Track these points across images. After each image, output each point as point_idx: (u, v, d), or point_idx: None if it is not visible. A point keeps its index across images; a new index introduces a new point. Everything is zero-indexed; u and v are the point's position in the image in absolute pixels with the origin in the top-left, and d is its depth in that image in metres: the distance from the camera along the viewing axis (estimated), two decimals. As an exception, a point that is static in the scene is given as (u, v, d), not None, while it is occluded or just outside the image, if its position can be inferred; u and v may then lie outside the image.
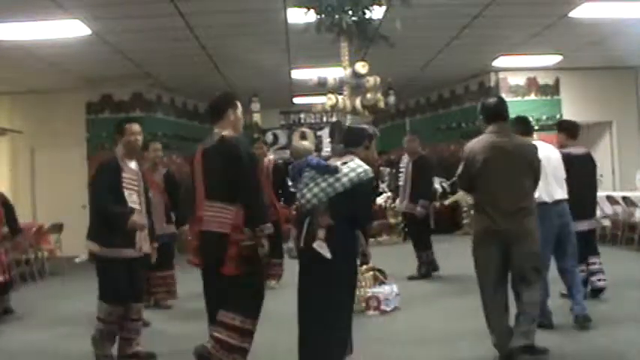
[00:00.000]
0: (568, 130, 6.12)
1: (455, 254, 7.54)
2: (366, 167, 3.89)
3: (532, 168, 4.33)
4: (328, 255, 3.70)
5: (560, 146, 5.88)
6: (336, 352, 3.74)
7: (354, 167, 3.86)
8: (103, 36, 8.39)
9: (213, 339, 3.88)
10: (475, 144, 4.37)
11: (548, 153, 5.09)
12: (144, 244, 4.65)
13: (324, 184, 3.83)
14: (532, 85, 12.28)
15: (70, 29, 7.87)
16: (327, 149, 13.91)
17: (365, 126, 4.30)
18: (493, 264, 4.24)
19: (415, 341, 5.08)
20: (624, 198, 9.51)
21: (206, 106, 4.38)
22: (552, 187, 5.00)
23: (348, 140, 4.16)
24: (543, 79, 12.26)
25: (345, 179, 3.81)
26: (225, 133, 4.09)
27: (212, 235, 3.90)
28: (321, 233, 3.75)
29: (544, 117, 11.90)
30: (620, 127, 12.11)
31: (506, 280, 4.30)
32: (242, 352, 3.92)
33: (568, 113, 11.81)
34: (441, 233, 10.42)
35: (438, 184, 12.75)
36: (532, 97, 12.26)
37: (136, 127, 4.96)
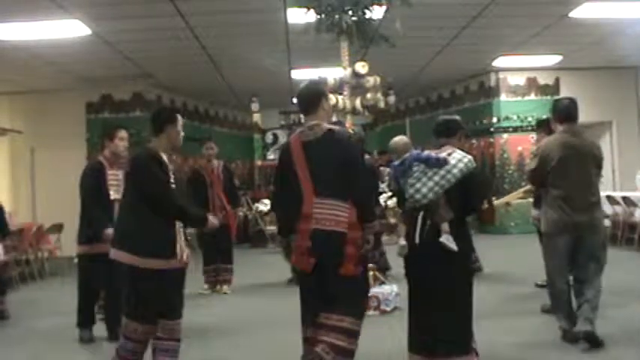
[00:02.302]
0: (547, 131, 6.24)
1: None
2: (469, 156, 3.97)
3: (599, 165, 4.70)
4: (455, 247, 3.77)
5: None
6: (469, 338, 3.85)
7: (460, 157, 3.91)
8: (103, 36, 8.40)
9: (325, 343, 3.58)
10: (550, 143, 4.66)
11: None
12: (184, 253, 3.99)
13: (437, 178, 3.85)
14: (532, 85, 12.29)
15: (70, 29, 7.87)
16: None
17: (457, 117, 4.38)
18: (565, 254, 4.55)
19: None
20: (624, 198, 9.51)
21: (297, 98, 3.93)
22: None
23: (444, 131, 4.21)
24: (543, 79, 12.27)
25: (455, 170, 3.85)
26: (324, 124, 3.80)
27: (327, 233, 3.60)
28: (446, 226, 3.82)
29: (544, 117, 11.88)
30: (620, 127, 12.12)
31: (570, 269, 4.62)
32: (352, 354, 3.73)
33: (568, 113, 11.84)
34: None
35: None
36: (532, 97, 12.27)
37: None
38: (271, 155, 14.93)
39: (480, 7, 7.90)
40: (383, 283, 6.40)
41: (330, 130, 3.74)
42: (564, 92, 12.15)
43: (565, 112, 4.71)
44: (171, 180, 3.89)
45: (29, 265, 8.99)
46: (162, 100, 12.45)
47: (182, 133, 4.00)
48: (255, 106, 13.04)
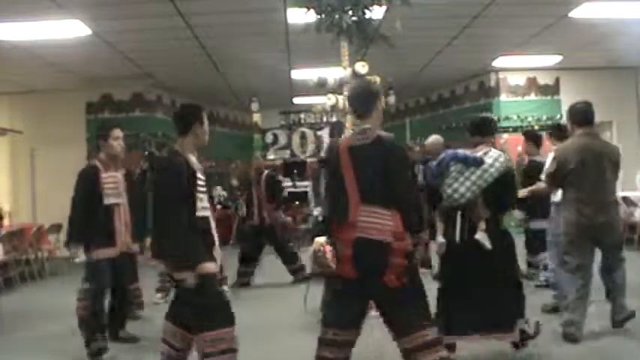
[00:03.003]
0: (534, 140, 6.82)
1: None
2: (505, 155, 4.07)
3: (617, 167, 4.90)
4: (489, 246, 3.93)
5: (528, 155, 6.74)
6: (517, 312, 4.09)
7: (496, 157, 4.03)
8: (103, 36, 8.39)
9: None
10: (568, 146, 4.83)
11: None
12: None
13: (474, 177, 3.95)
14: (532, 85, 12.29)
15: (70, 29, 7.87)
16: (326, 149, 13.91)
17: (492, 115, 4.44)
18: (588, 253, 4.78)
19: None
20: (624, 198, 9.51)
21: (351, 98, 3.74)
22: None
23: (480, 129, 4.29)
24: (543, 79, 12.26)
25: (492, 170, 3.95)
26: (375, 130, 3.65)
27: (371, 242, 3.44)
28: (483, 225, 3.95)
29: (544, 117, 11.92)
30: (620, 127, 12.12)
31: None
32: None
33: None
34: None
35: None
36: (532, 97, 12.26)
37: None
38: (271, 155, 14.91)
39: (480, 7, 7.90)
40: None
41: (378, 136, 3.57)
42: (564, 92, 12.17)
43: (582, 115, 4.87)
44: (200, 183, 3.78)
45: (29, 265, 8.99)
46: (162, 100, 12.45)
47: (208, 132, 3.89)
48: (255, 106, 13.03)
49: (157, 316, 6.02)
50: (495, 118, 4.53)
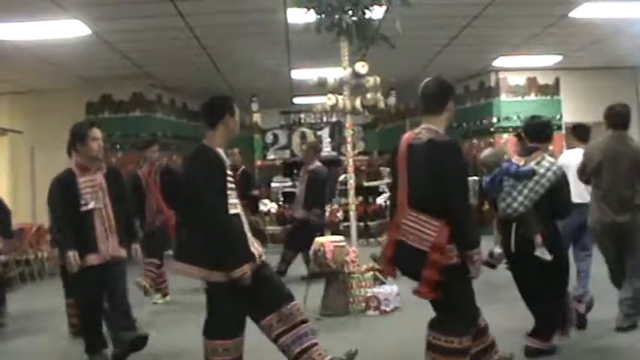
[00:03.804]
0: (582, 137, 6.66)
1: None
2: (556, 163, 4.19)
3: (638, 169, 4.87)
4: (549, 257, 4.02)
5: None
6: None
7: (548, 166, 4.10)
8: (103, 36, 8.39)
9: None
10: (592, 146, 5.05)
11: (570, 158, 5.62)
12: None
13: (526, 191, 4.05)
14: (532, 85, 12.28)
15: (70, 29, 7.87)
16: (326, 149, 13.91)
17: (549, 119, 4.64)
18: (612, 250, 4.92)
19: (415, 341, 5.07)
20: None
21: (423, 94, 3.58)
22: (581, 189, 5.33)
23: (538, 135, 4.33)
24: (543, 79, 12.26)
25: (543, 180, 4.04)
26: (433, 130, 3.44)
27: (409, 248, 3.30)
28: (539, 239, 4.04)
29: (544, 117, 11.90)
30: (620, 127, 12.11)
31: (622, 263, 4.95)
32: None
33: (568, 113, 11.84)
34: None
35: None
36: (532, 97, 12.26)
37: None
38: (271, 155, 14.91)
39: (480, 7, 7.90)
40: (383, 283, 6.40)
41: (432, 138, 3.38)
42: (564, 92, 12.17)
43: (618, 119, 4.97)
44: (230, 179, 3.71)
45: (29, 265, 8.99)
46: (162, 100, 12.45)
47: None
48: (255, 106, 13.04)
49: (156, 322, 6.03)
50: (495, 119, 4.55)
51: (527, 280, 4.24)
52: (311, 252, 6.23)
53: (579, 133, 6.08)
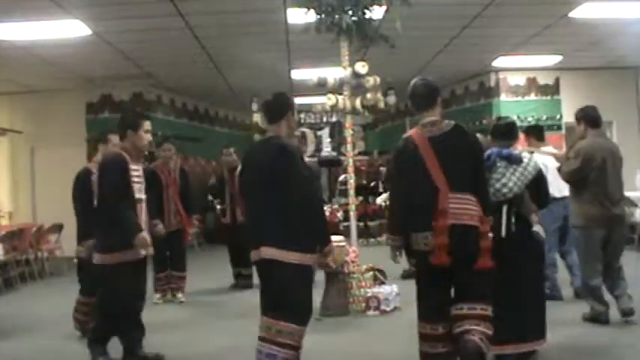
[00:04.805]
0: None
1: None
2: (532, 157, 4.37)
3: (622, 164, 5.39)
4: (544, 236, 4.39)
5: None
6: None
7: (529, 157, 4.33)
8: (103, 36, 8.39)
9: (480, 333, 3.57)
10: (591, 145, 5.22)
11: (545, 159, 5.83)
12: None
13: (517, 174, 4.21)
14: (532, 85, 12.28)
15: (70, 29, 7.87)
16: (327, 149, 13.91)
17: (514, 120, 4.92)
18: (599, 244, 5.15)
19: (415, 341, 5.07)
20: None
21: (413, 95, 3.93)
22: (561, 183, 5.65)
23: (507, 134, 4.55)
24: (543, 79, 12.25)
25: (529, 168, 4.24)
26: (447, 120, 3.88)
27: (465, 228, 3.60)
28: (534, 217, 4.32)
29: (544, 117, 11.91)
30: (620, 127, 12.10)
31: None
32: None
33: (568, 113, 11.80)
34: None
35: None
36: (532, 97, 12.25)
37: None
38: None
39: (480, 7, 7.90)
40: (383, 283, 6.40)
41: (456, 125, 3.80)
42: (564, 92, 12.16)
43: (595, 118, 5.38)
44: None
45: (29, 265, 8.99)
46: (162, 99, 12.45)
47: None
48: (255, 106, 13.03)
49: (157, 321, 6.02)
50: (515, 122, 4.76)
51: (520, 271, 4.17)
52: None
53: (537, 133, 6.57)
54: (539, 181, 4.29)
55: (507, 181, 4.17)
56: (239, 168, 8.46)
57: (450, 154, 3.68)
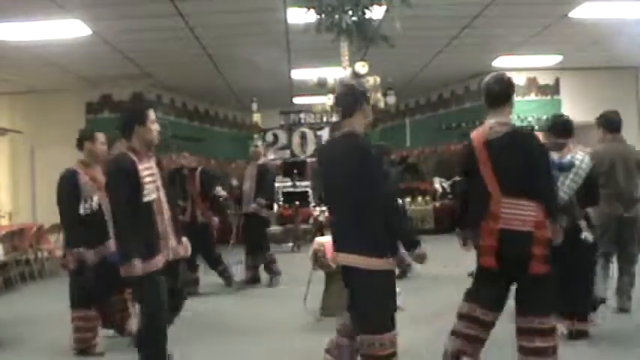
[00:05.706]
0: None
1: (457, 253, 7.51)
2: (586, 155, 4.50)
3: (638, 167, 5.52)
4: (592, 240, 4.52)
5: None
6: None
7: (581, 158, 4.48)
8: (103, 36, 8.40)
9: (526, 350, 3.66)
10: (601, 150, 5.46)
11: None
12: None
13: (568, 181, 4.41)
14: (532, 85, 12.28)
15: (70, 29, 7.87)
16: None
17: (569, 117, 4.95)
18: (611, 241, 5.35)
19: (415, 341, 5.08)
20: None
21: (489, 91, 3.88)
22: None
23: (564, 131, 4.68)
24: (543, 79, 12.26)
25: (580, 171, 4.41)
26: (510, 122, 3.83)
27: (515, 233, 3.63)
28: (583, 223, 4.47)
29: (544, 117, 11.89)
30: (620, 127, 12.11)
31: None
32: (553, 351, 3.73)
33: (568, 113, 11.80)
34: (441, 233, 10.45)
35: (438, 183, 12.76)
36: (532, 97, 12.26)
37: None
38: (271, 155, 14.91)
39: (479, 7, 7.90)
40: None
41: (517, 127, 3.83)
42: (564, 92, 12.17)
43: (616, 123, 5.68)
44: None
45: (29, 265, 8.99)
46: (161, 99, 12.45)
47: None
48: (255, 106, 13.03)
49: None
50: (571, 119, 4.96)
51: (572, 266, 4.44)
52: (310, 252, 6.22)
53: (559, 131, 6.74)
54: (591, 179, 4.47)
55: (558, 190, 4.29)
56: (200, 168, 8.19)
57: (506, 158, 3.67)
